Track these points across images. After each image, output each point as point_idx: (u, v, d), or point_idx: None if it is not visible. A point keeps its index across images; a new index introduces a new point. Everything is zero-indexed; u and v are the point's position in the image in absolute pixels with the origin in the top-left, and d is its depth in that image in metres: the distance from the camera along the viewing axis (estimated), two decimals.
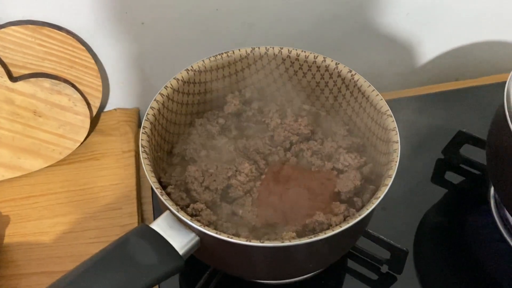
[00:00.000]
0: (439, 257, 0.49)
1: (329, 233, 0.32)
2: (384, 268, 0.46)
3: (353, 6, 0.53)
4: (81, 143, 0.53)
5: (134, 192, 0.51)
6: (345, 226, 0.32)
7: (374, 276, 0.47)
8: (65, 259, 0.46)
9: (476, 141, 0.51)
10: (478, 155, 0.52)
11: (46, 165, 0.52)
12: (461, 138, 0.52)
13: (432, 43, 0.61)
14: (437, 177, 0.54)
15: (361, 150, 0.44)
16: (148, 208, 0.51)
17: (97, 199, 0.50)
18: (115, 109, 0.59)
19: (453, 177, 0.54)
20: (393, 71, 0.63)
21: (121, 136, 0.56)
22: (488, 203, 0.51)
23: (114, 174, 0.52)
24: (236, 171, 0.42)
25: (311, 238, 0.32)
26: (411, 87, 0.63)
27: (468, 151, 0.53)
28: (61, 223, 0.48)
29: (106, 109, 0.59)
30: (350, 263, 0.48)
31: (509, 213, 0.47)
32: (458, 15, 0.58)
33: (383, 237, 0.44)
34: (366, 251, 0.46)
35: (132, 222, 0.48)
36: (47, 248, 0.47)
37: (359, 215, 0.33)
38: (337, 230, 0.32)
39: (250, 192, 0.41)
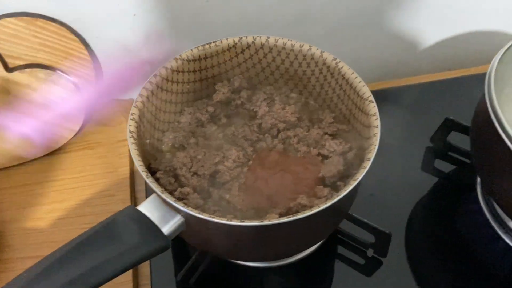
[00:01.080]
0: (427, 242, 0.50)
1: (307, 212, 0.33)
2: (370, 252, 0.47)
3: None
4: (77, 133, 0.55)
5: (128, 180, 0.52)
6: (323, 206, 0.34)
7: (361, 261, 0.48)
8: (60, 243, 0.46)
9: (462, 129, 0.52)
10: (466, 143, 0.53)
11: (43, 154, 0.53)
12: (448, 126, 0.52)
13: (423, 33, 0.62)
14: (427, 165, 0.55)
15: (346, 137, 0.45)
16: (141, 195, 0.53)
17: (92, 186, 0.52)
18: (109, 100, 0.60)
19: (443, 165, 0.55)
20: (383, 61, 0.64)
21: (115, 126, 0.57)
22: (475, 190, 0.52)
23: (108, 163, 0.54)
24: (224, 157, 0.43)
25: (289, 217, 0.33)
26: (402, 77, 0.64)
27: (456, 139, 0.54)
28: (57, 209, 0.50)
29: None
30: (339, 249, 0.49)
31: (493, 200, 0.48)
32: (449, 6, 0.59)
33: (366, 221, 0.45)
34: (352, 235, 0.47)
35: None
36: (43, 233, 0.48)
37: (337, 196, 0.34)
38: (315, 210, 0.33)
39: (237, 178, 0.42)
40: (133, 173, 0.54)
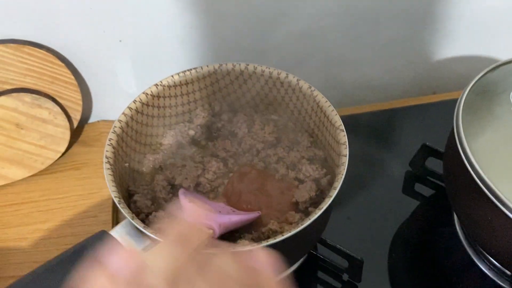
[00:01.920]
0: (403, 267, 0.50)
1: (271, 241, 0.34)
2: (345, 277, 0.48)
3: (322, 24, 0.56)
4: (63, 154, 0.56)
5: (110, 201, 0.53)
6: (287, 234, 0.34)
7: (338, 284, 0.48)
8: (41, 263, 0.48)
9: (438, 154, 0.53)
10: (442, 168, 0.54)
11: (29, 175, 0.55)
12: (425, 151, 0.53)
13: (407, 57, 0.63)
14: (408, 189, 0.56)
15: (322, 162, 0.46)
16: (124, 217, 0.54)
17: (75, 207, 0.53)
18: (98, 121, 0.61)
19: (423, 189, 0.55)
20: (367, 85, 0.65)
21: (102, 146, 0.57)
22: (452, 214, 0.52)
23: (92, 183, 0.55)
24: (204, 169, 0.44)
25: (258, 244, 0.34)
26: (386, 101, 0.65)
27: (434, 164, 0.55)
28: (40, 229, 0.51)
29: (90, 121, 0.62)
30: (317, 272, 0.49)
31: (463, 225, 0.49)
32: (434, 30, 0.60)
33: (340, 246, 0.45)
34: (327, 259, 0.48)
35: (106, 230, 0.51)
36: (25, 253, 0.49)
37: (300, 226, 0.35)
38: (279, 238, 0.34)
39: (218, 189, 0.44)
40: None
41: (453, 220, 0.52)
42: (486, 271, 0.47)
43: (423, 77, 0.66)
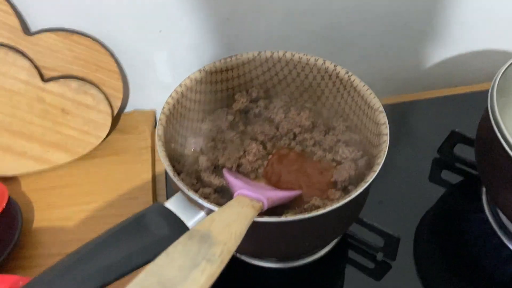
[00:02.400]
0: (435, 248, 0.52)
1: (321, 211, 0.36)
2: (380, 256, 0.50)
3: (354, 16, 0.58)
4: (103, 140, 0.58)
5: (150, 184, 0.55)
6: (335, 205, 0.36)
7: (371, 265, 0.50)
8: (86, 241, 0.50)
9: (467, 141, 0.54)
10: (471, 154, 0.56)
11: (72, 159, 0.57)
12: (454, 138, 0.55)
13: (428, 52, 0.65)
14: (434, 176, 0.57)
15: (357, 145, 0.48)
16: (162, 199, 0.56)
17: (116, 189, 0.55)
18: (133, 111, 0.64)
19: (450, 176, 0.57)
20: (390, 77, 0.67)
21: (139, 134, 0.61)
22: (481, 200, 0.54)
23: (132, 168, 0.57)
24: (245, 151, 0.46)
25: (304, 215, 0.36)
26: (409, 93, 0.67)
27: (462, 150, 0.56)
28: (84, 210, 0.53)
29: (125, 111, 0.64)
30: (349, 253, 0.51)
31: (499, 209, 0.50)
32: (453, 25, 0.62)
33: (376, 224, 0.47)
34: (362, 239, 0.50)
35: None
36: (71, 232, 0.51)
37: (349, 196, 0.37)
38: (328, 208, 0.36)
39: (258, 170, 0.46)
40: (154, 178, 0.57)
41: (483, 206, 0.53)
42: None
43: (444, 71, 0.68)
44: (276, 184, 0.45)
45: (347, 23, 0.59)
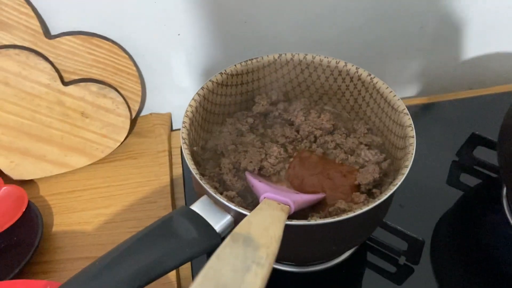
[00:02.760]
0: (454, 252, 0.51)
1: (350, 214, 0.36)
2: (402, 260, 0.49)
3: (371, 18, 0.58)
4: (120, 144, 0.58)
5: (168, 188, 0.55)
6: (365, 208, 0.36)
7: (392, 269, 0.50)
8: (106, 245, 0.50)
9: (488, 143, 0.54)
10: (491, 157, 0.55)
11: (90, 163, 0.57)
12: (474, 140, 0.55)
13: (444, 55, 0.65)
14: (453, 179, 0.57)
15: (380, 147, 0.48)
16: (181, 203, 0.56)
17: (135, 193, 0.55)
18: (150, 114, 0.64)
19: (469, 179, 0.57)
20: (408, 80, 0.67)
21: (156, 137, 0.61)
22: (501, 203, 0.54)
23: (150, 172, 0.57)
24: (266, 154, 0.46)
25: (334, 218, 0.36)
26: (426, 95, 0.67)
27: (481, 153, 0.56)
28: (103, 214, 0.53)
29: (142, 114, 0.64)
30: (369, 257, 0.51)
31: None
32: (470, 28, 0.62)
33: (400, 228, 0.47)
34: (384, 242, 0.49)
35: (166, 214, 0.52)
36: (90, 236, 0.51)
37: (378, 199, 0.37)
38: (357, 212, 0.36)
39: (280, 173, 0.46)
40: (172, 181, 0.57)
41: (503, 208, 0.53)
42: None
43: (460, 74, 0.68)
44: (299, 187, 0.45)
45: (364, 26, 0.59)
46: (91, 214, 0.53)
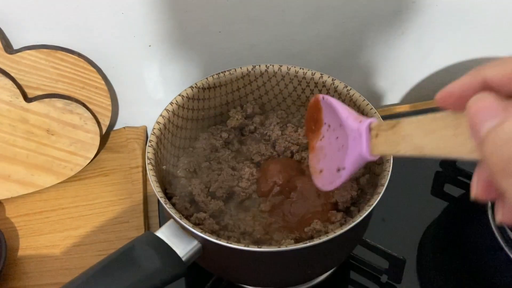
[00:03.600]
0: (440, 267, 0.50)
1: (323, 238, 0.34)
2: (384, 278, 0.47)
3: (348, 27, 0.56)
4: (91, 160, 0.56)
5: (141, 206, 0.53)
6: (338, 232, 0.34)
7: (376, 287, 0.48)
8: (75, 270, 0.48)
9: None
10: (474, 167, 0.54)
11: (58, 181, 0.54)
12: None
13: (426, 61, 0.63)
14: (437, 190, 0.55)
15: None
16: (155, 221, 0.53)
17: (106, 213, 0.52)
18: (124, 128, 0.61)
19: (453, 189, 0.55)
20: (390, 87, 0.65)
21: (129, 153, 0.58)
22: (486, 213, 0.52)
23: (122, 189, 0.54)
24: (239, 177, 0.44)
25: (305, 243, 0.34)
26: (408, 103, 0.65)
27: (464, 163, 0.54)
28: (72, 236, 0.50)
29: (115, 128, 0.62)
30: (352, 275, 0.49)
31: (506, 224, 0.48)
32: (453, 34, 0.60)
33: (380, 246, 0.45)
34: (365, 261, 0.48)
35: (139, 235, 0.50)
36: (58, 260, 0.49)
37: (353, 222, 0.35)
38: (332, 235, 0.34)
39: (252, 195, 0.43)
40: (146, 199, 0.55)
41: (488, 219, 0.51)
42: None
43: (443, 81, 0.66)
44: (279, 214, 0.43)
45: (343, 34, 0.57)
46: (59, 236, 0.50)
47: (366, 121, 0.29)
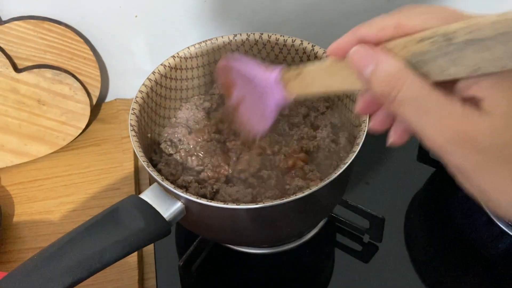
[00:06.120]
0: (422, 228, 0.51)
1: (299, 195, 0.35)
2: (366, 238, 0.49)
3: None
4: (83, 131, 0.57)
5: (132, 174, 0.54)
6: (314, 188, 0.35)
7: (358, 247, 0.50)
8: None
9: None
10: None
11: (51, 151, 0.56)
12: None
13: None
14: (423, 156, 0.56)
15: (339, 126, 0.47)
16: (146, 188, 0.54)
17: (98, 180, 0.54)
18: (115, 99, 0.62)
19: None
20: None
21: (120, 123, 0.59)
22: None
23: (113, 158, 0.56)
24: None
25: (282, 199, 0.35)
26: None
27: None
28: (65, 202, 0.52)
29: (107, 100, 0.63)
30: (337, 236, 0.50)
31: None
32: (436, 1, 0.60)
33: (361, 206, 0.46)
34: (347, 221, 0.49)
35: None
36: (52, 225, 0.51)
37: (328, 179, 0.36)
38: (306, 192, 0.35)
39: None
40: (137, 167, 0.56)
41: None
42: (506, 229, 0.48)
43: None
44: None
45: (328, 2, 0.57)
46: (53, 203, 0.52)
47: (275, 70, 0.33)
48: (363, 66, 0.24)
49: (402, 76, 0.23)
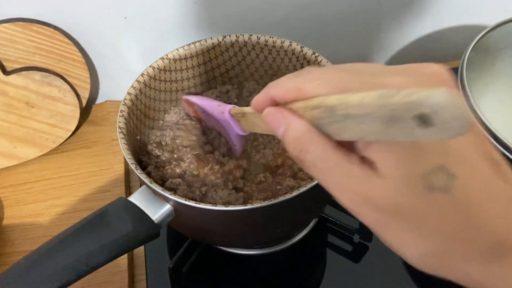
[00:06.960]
0: None
1: (287, 196, 0.35)
2: (356, 238, 0.49)
3: None
4: (73, 133, 0.57)
5: (123, 176, 0.54)
6: (302, 189, 0.35)
7: (349, 247, 0.50)
8: None
9: None
10: None
11: (41, 154, 0.56)
12: None
13: (405, 29, 0.63)
14: None
15: None
16: (136, 191, 0.55)
17: (88, 183, 0.54)
18: (105, 101, 0.62)
19: None
20: (371, 56, 0.66)
21: (111, 125, 0.59)
22: None
23: (104, 160, 0.56)
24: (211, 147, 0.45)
25: (270, 201, 0.35)
26: None
27: None
28: (55, 205, 0.52)
29: (97, 102, 0.63)
30: (328, 237, 0.51)
31: None
32: (423, 3, 0.61)
33: None
34: (338, 221, 0.49)
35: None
36: (42, 228, 0.50)
37: (314, 181, 0.36)
38: (295, 193, 0.35)
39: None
40: (128, 170, 0.56)
41: None
42: None
43: (417, 47, 0.67)
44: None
45: (319, 3, 0.57)
46: (43, 205, 0.52)
47: (226, 110, 0.36)
48: (275, 128, 0.25)
49: (308, 139, 0.23)
